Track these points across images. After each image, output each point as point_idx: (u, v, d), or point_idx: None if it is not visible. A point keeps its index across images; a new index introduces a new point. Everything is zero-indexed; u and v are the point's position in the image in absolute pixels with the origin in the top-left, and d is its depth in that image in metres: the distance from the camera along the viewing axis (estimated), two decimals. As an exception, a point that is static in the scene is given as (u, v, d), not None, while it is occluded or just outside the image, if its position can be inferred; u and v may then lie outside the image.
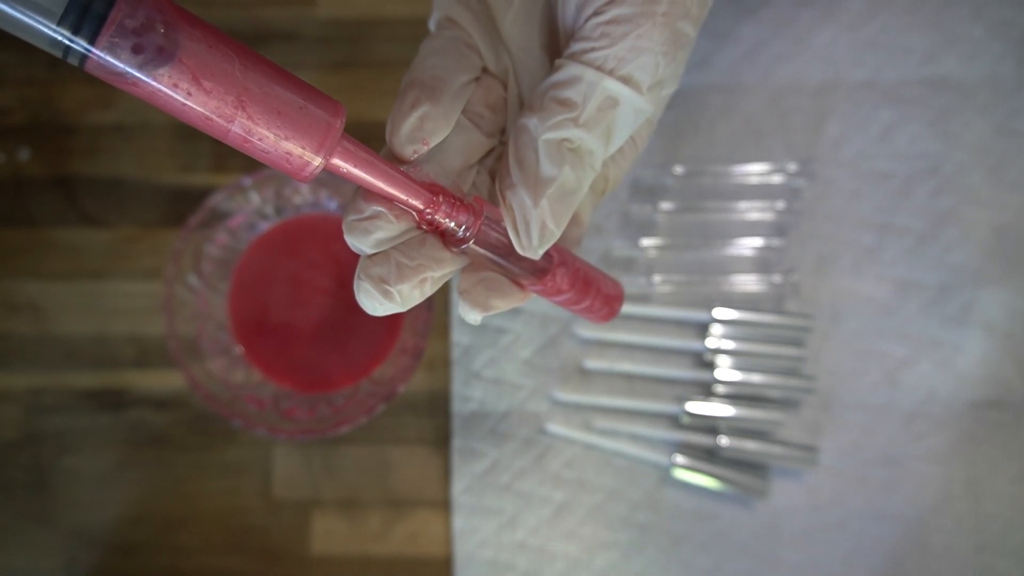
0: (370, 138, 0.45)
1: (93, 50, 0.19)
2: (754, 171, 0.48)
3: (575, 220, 0.30)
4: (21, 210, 0.50)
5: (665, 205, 0.48)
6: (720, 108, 0.49)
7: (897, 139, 0.49)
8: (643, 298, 0.48)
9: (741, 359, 0.47)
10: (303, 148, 0.21)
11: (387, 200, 0.25)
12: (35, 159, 0.50)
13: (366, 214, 0.25)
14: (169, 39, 0.19)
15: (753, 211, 0.48)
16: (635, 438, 0.47)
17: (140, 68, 0.19)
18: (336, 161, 0.23)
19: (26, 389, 0.49)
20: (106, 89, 0.51)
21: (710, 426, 0.46)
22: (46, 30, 0.19)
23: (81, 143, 0.50)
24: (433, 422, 0.48)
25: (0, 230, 0.50)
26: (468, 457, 0.47)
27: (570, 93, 0.25)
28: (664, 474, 0.47)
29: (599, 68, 0.25)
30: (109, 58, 0.19)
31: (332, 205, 0.48)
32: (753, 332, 0.47)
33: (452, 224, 0.25)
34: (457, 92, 0.27)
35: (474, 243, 0.26)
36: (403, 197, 0.24)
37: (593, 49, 0.25)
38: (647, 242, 0.48)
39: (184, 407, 0.48)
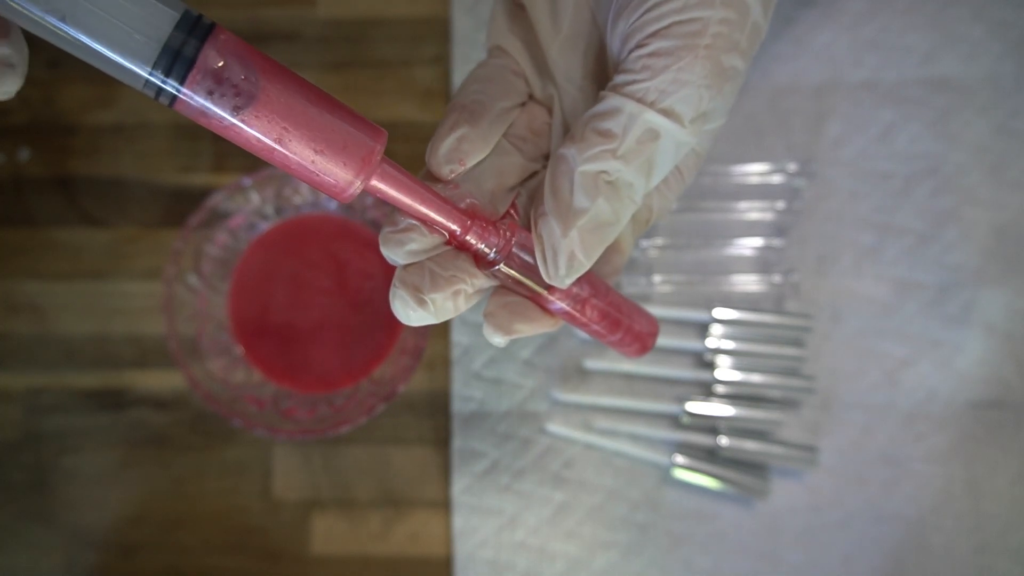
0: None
1: (183, 90, 0.21)
2: (754, 171, 0.48)
3: (616, 249, 0.30)
4: (21, 210, 0.50)
5: (665, 205, 0.48)
6: (720, 108, 0.49)
7: (897, 139, 0.49)
8: (643, 298, 0.48)
9: (741, 359, 0.47)
10: (345, 170, 0.22)
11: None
12: (35, 159, 0.50)
13: (400, 226, 0.25)
14: (251, 82, 0.21)
15: (753, 211, 0.48)
16: (635, 438, 0.47)
17: (229, 109, 0.21)
18: (376, 183, 0.23)
19: (26, 389, 0.49)
20: (106, 89, 0.51)
21: (710, 426, 0.46)
22: (142, 72, 0.20)
23: (81, 143, 0.50)
24: (433, 422, 0.48)
25: (0, 230, 0.50)
26: (468, 457, 0.47)
27: (610, 124, 0.25)
28: (664, 474, 0.47)
29: (640, 100, 0.24)
30: (198, 98, 0.21)
31: (332, 205, 0.48)
32: (753, 332, 0.47)
33: (483, 246, 0.26)
34: (497, 117, 0.27)
35: (504, 266, 0.26)
36: (437, 219, 0.25)
37: (635, 81, 0.25)
38: (647, 242, 0.48)
39: (184, 407, 0.48)
